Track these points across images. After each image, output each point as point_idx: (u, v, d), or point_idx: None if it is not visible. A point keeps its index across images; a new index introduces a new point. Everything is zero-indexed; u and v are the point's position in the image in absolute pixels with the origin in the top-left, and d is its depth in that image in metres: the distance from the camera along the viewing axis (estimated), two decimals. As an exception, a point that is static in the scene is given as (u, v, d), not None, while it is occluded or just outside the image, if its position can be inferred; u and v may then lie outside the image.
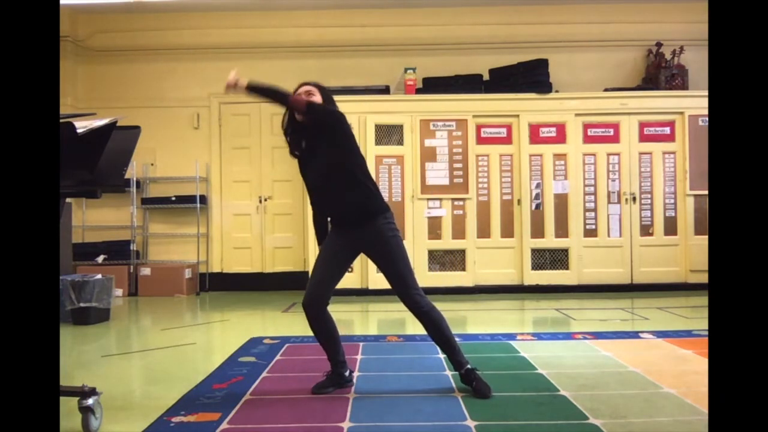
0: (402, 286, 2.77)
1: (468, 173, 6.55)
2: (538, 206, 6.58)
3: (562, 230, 6.57)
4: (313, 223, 2.95)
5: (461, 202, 6.55)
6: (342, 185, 2.72)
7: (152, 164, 7.29)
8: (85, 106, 6.94)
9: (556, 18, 7.14)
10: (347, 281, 6.45)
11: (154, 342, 4.39)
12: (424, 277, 6.22)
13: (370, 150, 6.51)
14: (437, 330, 2.83)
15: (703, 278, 6.14)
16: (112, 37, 7.26)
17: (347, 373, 2.95)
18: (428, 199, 6.53)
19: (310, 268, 6.54)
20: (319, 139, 2.76)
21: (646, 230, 6.61)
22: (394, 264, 2.77)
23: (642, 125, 6.63)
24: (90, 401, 2.34)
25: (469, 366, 2.83)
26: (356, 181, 2.74)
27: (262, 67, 7.23)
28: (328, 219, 2.90)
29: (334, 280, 2.84)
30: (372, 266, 6.40)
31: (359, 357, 3.57)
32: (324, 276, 2.81)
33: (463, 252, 6.52)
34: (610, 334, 4.22)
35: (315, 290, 2.80)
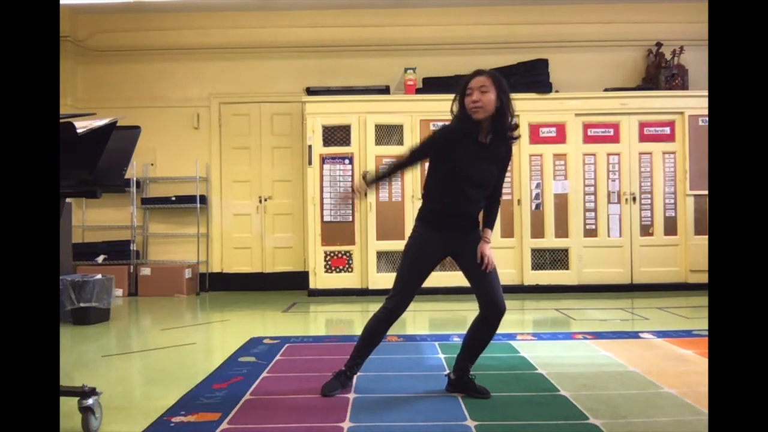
0: (499, 288, 2.77)
1: (468, 173, 6.53)
2: (538, 206, 6.58)
3: (562, 230, 6.57)
4: (395, 168, 2.86)
5: (461, 202, 6.54)
6: (481, 199, 2.84)
7: (152, 164, 7.29)
8: (85, 106, 6.94)
9: (556, 18, 7.14)
10: (348, 281, 6.55)
11: (154, 342, 4.39)
12: (424, 277, 6.20)
13: (370, 150, 6.51)
14: (489, 337, 2.81)
15: (703, 278, 6.14)
16: (112, 37, 7.26)
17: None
18: (428, 199, 6.51)
19: (310, 268, 6.61)
20: (491, 156, 2.80)
21: (646, 230, 6.60)
22: (494, 269, 2.81)
23: (642, 125, 6.63)
24: (90, 401, 2.34)
25: (471, 374, 2.85)
26: (485, 199, 2.87)
27: (262, 67, 7.26)
28: (441, 216, 2.81)
29: None
30: (372, 266, 6.42)
31: (359, 357, 3.57)
32: (421, 284, 2.82)
33: (463, 252, 6.50)
34: (610, 334, 4.22)
35: (411, 298, 2.81)
